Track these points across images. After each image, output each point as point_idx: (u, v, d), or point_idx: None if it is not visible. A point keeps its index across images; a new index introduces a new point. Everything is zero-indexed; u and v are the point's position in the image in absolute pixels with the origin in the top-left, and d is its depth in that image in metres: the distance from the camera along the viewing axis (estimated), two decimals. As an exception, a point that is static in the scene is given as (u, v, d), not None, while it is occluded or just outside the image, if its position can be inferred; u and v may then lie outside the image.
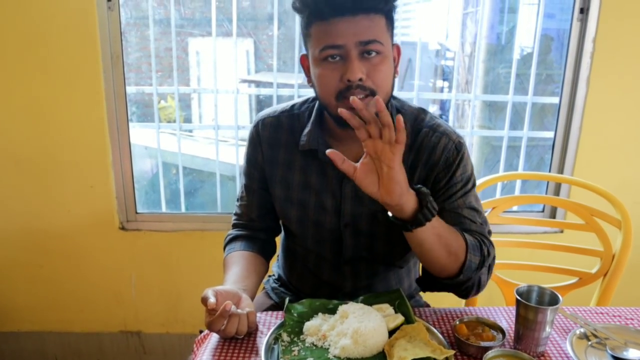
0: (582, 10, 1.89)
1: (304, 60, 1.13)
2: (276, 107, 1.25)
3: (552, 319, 0.96)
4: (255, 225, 1.29)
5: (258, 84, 2.77)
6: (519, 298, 0.97)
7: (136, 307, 2.17)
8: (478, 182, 1.46)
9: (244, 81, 2.98)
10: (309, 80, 1.12)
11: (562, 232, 2.11)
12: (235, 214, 1.33)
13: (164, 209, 2.21)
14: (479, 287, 1.13)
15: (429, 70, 3.43)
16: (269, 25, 2.39)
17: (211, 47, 2.06)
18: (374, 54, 1.02)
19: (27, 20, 1.83)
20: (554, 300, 0.98)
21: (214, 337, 0.99)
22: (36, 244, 2.08)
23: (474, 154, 2.74)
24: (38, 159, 1.98)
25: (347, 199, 1.17)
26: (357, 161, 1.04)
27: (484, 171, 2.73)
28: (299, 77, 2.04)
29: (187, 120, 3.26)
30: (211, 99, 2.11)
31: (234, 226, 1.32)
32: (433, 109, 3.26)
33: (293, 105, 1.23)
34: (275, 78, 2.08)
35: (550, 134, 2.10)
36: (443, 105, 3.24)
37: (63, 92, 1.91)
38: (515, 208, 2.21)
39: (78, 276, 2.12)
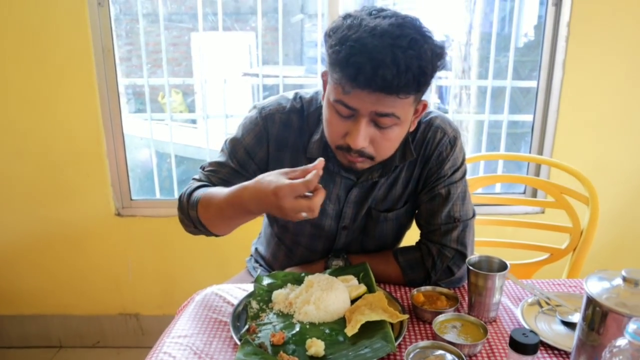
0: (556, -5, 1.95)
1: (324, 76, 1.05)
2: (282, 102, 1.17)
3: (500, 284, 1.03)
4: None
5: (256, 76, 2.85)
6: (469, 267, 1.04)
7: (134, 290, 2.27)
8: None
9: (246, 74, 3.06)
10: (323, 98, 1.07)
11: (543, 212, 2.17)
12: (200, 180, 1.18)
13: (158, 196, 2.30)
14: (458, 282, 1.19)
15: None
16: (251, 17, 2.47)
17: (211, 41, 2.14)
18: (386, 125, 0.97)
19: (22, 19, 1.91)
20: (502, 268, 1.05)
21: (190, 305, 1.08)
22: (37, 231, 2.18)
23: (469, 139, 2.81)
24: (37, 150, 2.08)
25: (350, 203, 1.19)
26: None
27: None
28: (285, 70, 2.11)
29: (191, 109, 3.36)
30: (213, 90, 2.19)
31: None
32: (432, 97, 3.31)
33: (302, 106, 1.16)
34: (261, 70, 2.17)
35: (529, 117, 2.16)
36: (441, 94, 3.29)
37: (59, 86, 2.00)
38: (498, 191, 2.28)
39: (78, 261, 2.22)
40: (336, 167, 1.14)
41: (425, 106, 1.05)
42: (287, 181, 0.91)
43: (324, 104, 1.04)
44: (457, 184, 1.16)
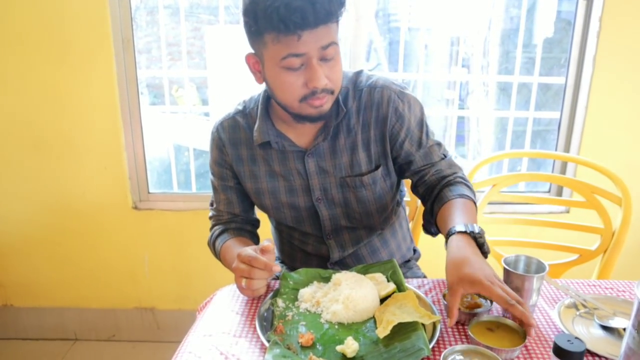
0: (588, -11, 1.89)
1: (250, 59, 1.12)
2: (229, 111, 1.30)
3: (538, 286, 0.99)
4: (239, 220, 1.32)
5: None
6: (506, 267, 1.00)
7: (149, 284, 2.25)
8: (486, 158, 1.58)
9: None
10: (259, 79, 1.15)
11: (568, 212, 2.11)
12: (214, 217, 1.34)
13: (175, 189, 2.28)
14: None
15: (446, 57, 3.43)
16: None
17: (224, 34, 2.13)
18: (331, 56, 1.06)
19: (42, 8, 1.89)
20: (540, 269, 1.00)
21: (214, 303, 1.04)
22: (54, 223, 2.17)
23: (488, 137, 2.77)
24: (55, 142, 2.06)
25: (313, 174, 1.23)
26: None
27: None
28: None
29: (205, 103, 3.34)
30: (228, 84, 2.17)
31: (216, 225, 1.33)
32: (451, 93, 3.26)
33: (245, 106, 1.28)
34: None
35: (550, 114, 2.10)
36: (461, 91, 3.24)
37: (78, 78, 1.98)
38: (522, 189, 2.23)
39: (94, 254, 2.21)
40: (280, 145, 1.21)
41: None
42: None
43: (271, 73, 1.09)
44: (429, 130, 1.25)
